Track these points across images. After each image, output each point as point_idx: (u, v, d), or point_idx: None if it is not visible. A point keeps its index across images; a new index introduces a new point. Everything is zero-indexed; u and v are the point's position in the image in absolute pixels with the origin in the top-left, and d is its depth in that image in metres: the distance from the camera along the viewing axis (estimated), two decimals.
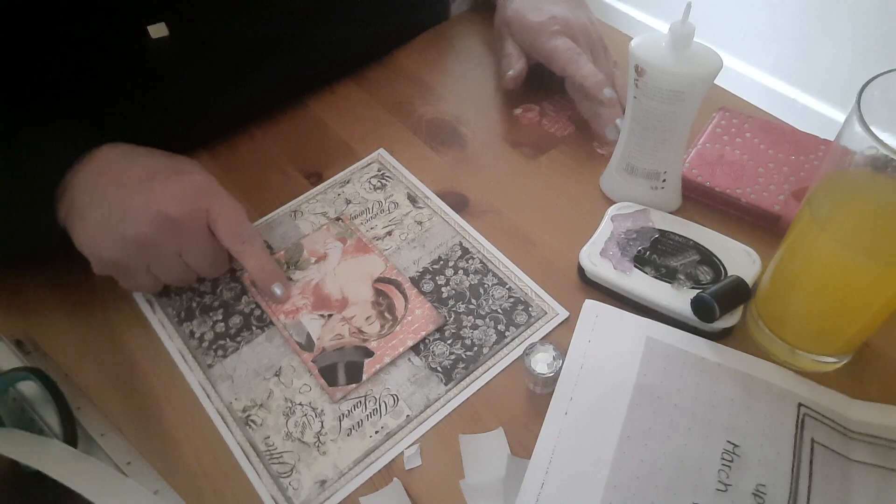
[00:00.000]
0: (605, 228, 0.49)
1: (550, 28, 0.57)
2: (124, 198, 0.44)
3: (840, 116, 1.59)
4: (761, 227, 0.50)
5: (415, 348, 0.45)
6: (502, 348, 0.45)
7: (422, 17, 0.70)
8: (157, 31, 0.50)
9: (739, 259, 0.46)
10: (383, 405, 0.42)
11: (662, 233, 0.48)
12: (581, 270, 0.47)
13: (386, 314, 0.47)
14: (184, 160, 0.48)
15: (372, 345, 0.45)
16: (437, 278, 0.49)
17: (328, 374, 0.44)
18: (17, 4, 0.45)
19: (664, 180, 0.50)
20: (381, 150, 0.58)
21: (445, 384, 0.43)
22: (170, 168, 0.46)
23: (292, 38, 0.58)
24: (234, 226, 0.46)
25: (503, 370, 0.44)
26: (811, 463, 0.38)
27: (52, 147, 0.46)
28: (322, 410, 0.42)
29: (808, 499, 0.36)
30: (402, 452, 0.40)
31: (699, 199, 0.52)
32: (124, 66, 0.50)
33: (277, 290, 0.47)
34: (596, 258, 0.47)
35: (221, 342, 0.46)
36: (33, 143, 0.46)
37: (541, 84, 0.62)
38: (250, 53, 0.57)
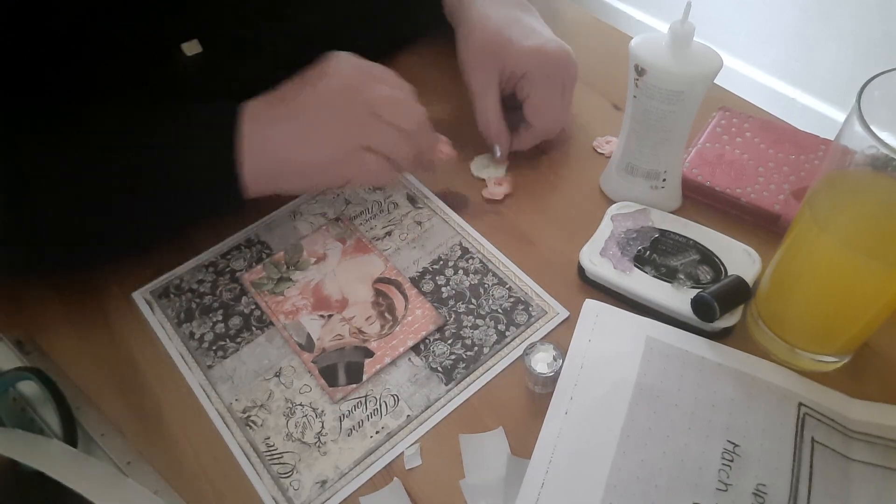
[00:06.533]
0: (605, 228, 0.49)
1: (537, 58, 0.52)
2: (301, 116, 0.46)
3: (840, 116, 1.59)
4: (761, 226, 0.50)
5: (415, 348, 0.45)
6: (502, 348, 0.45)
7: (426, 19, 0.69)
8: (191, 48, 0.51)
9: (739, 259, 0.46)
10: (384, 405, 0.42)
11: (662, 232, 0.48)
12: (581, 270, 0.47)
13: (386, 314, 0.47)
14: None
15: (372, 345, 0.45)
16: (437, 278, 0.49)
17: (328, 375, 0.44)
18: (55, 21, 0.45)
19: (664, 180, 0.50)
20: None
21: (446, 384, 0.43)
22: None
23: (305, 50, 0.58)
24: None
25: (503, 370, 0.44)
26: (811, 462, 0.38)
27: (209, 107, 0.47)
28: (322, 411, 0.42)
29: (809, 498, 0.36)
30: (402, 452, 0.40)
31: (699, 199, 0.52)
32: (158, 84, 0.51)
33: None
34: (596, 258, 0.47)
35: (221, 343, 0.46)
36: (189, 111, 0.47)
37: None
38: (272, 70, 0.57)
